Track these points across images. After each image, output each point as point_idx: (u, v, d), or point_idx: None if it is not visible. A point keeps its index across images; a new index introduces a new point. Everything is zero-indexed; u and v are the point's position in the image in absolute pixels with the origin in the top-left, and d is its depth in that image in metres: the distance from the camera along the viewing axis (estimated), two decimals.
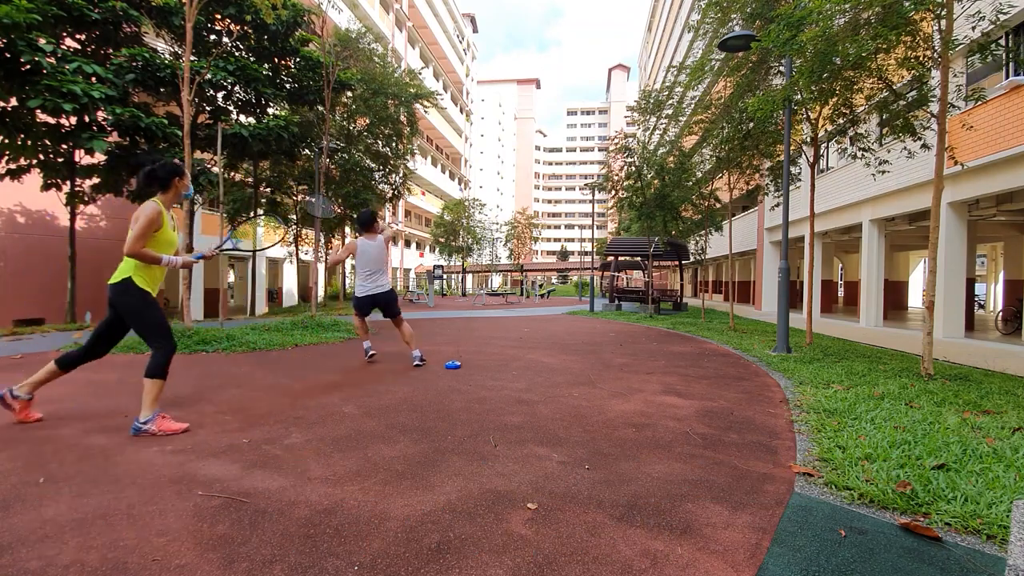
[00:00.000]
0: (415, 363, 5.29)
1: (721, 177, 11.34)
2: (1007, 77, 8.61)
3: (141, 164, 3.23)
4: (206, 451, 2.63)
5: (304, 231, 19.47)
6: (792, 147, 8.04)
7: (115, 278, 2.95)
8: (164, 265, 3.00)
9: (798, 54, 5.30)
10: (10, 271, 12.60)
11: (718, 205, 14.50)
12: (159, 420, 2.92)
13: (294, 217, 18.20)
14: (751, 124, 8.29)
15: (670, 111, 13.25)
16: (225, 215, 15.47)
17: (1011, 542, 1.25)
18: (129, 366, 5.13)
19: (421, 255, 45.31)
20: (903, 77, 6.62)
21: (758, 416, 3.47)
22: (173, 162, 3.16)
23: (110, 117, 9.27)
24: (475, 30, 62.51)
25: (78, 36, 10.35)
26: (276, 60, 12.63)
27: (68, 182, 10.62)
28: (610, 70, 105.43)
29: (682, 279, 25.06)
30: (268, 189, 16.59)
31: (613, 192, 15.08)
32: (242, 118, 12.80)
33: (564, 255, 72.57)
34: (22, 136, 9.52)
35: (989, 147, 8.51)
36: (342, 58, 16.41)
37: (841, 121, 7.28)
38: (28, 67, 8.42)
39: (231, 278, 22.99)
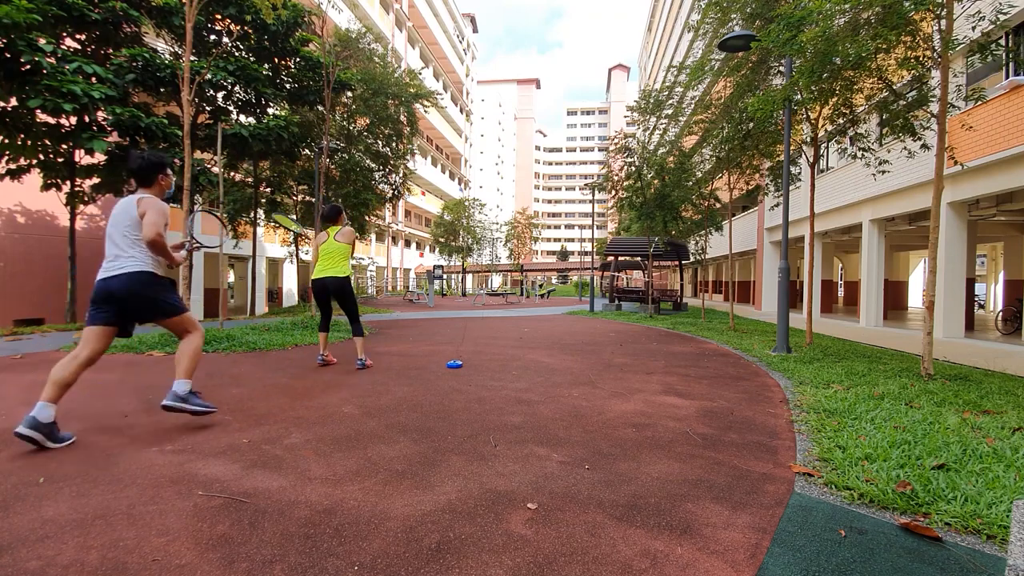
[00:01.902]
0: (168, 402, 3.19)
1: (721, 177, 11.33)
2: (1007, 77, 8.61)
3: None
4: (206, 451, 2.63)
5: (304, 231, 19.45)
6: (792, 147, 8.04)
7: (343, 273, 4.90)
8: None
9: (798, 54, 5.30)
10: (10, 271, 12.60)
11: (718, 205, 14.50)
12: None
13: (294, 217, 18.19)
14: (751, 124, 8.28)
15: (670, 111, 13.24)
16: (225, 215, 15.47)
17: (1011, 542, 1.25)
18: (129, 366, 5.13)
19: (421, 255, 45.31)
20: (903, 77, 6.62)
21: (758, 416, 3.47)
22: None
23: (110, 117, 9.26)
24: (475, 30, 62.50)
25: (78, 36, 10.35)
26: (276, 60, 12.63)
27: (68, 182, 10.62)
28: (610, 70, 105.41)
29: (682, 279, 25.06)
30: (268, 189, 16.58)
31: (613, 192, 15.08)
32: (242, 118, 12.80)
33: (564, 255, 72.59)
34: (22, 136, 9.52)
35: (989, 147, 8.51)
36: (342, 58, 16.40)
37: (841, 121, 7.27)
38: (28, 67, 8.42)
39: (231, 278, 22.99)
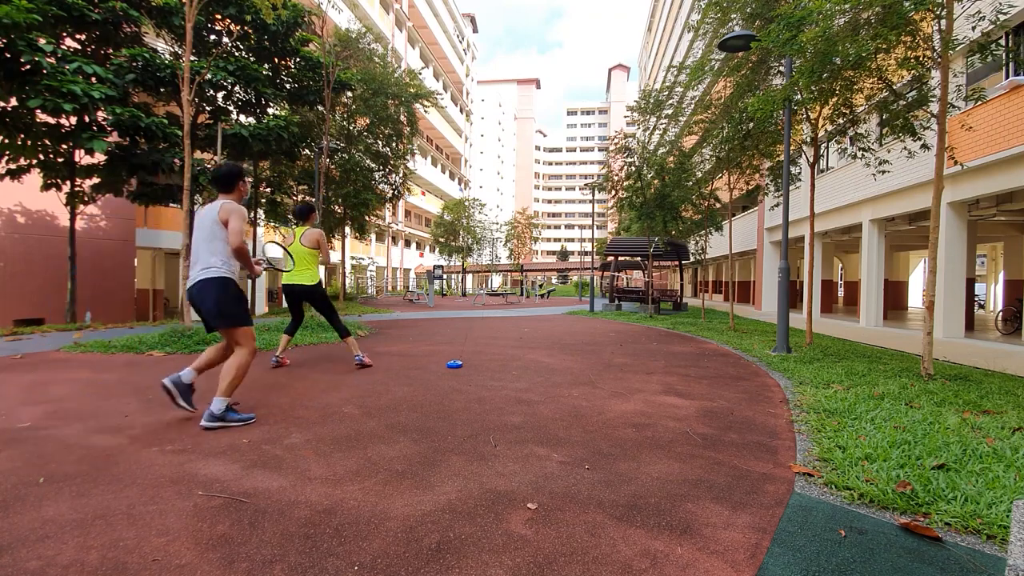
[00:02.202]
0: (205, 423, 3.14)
1: (721, 177, 11.33)
2: (1007, 77, 8.61)
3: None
4: (206, 451, 2.63)
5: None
6: (792, 147, 8.03)
7: (308, 279, 4.69)
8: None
9: (798, 54, 5.30)
10: (10, 271, 12.60)
11: (718, 205, 14.50)
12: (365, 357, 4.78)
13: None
14: (751, 124, 8.28)
15: (670, 111, 13.24)
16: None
17: (1011, 542, 1.25)
18: (129, 366, 5.13)
19: (421, 255, 45.32)
20: (903, 77, 6.62)
21: (758, 416, 3.47)
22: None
23: (110, 117, 9.26)
24: (475, 30, 62.51)
25: (78, 36, 10.35)
26: (276, 60, 12.63)
27: (68, 182, 10.62)
28: (610, 70, 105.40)
29: (682, 279, 25.06)
30: (268, 189, 16.59)
31: (613, 192, 15.08)
32: (242, 118, 12.80)
33: (564, 255, 72.59)
34: (22, 136, 9.52)
35: (989, 147, 8.51)
36: (342, 58, 16.41)
37: (841, 121, 7.27)
38: (28, 67, 8.42)
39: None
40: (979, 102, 5.73)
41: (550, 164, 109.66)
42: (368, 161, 18.44)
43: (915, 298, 23.50)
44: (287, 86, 13.23)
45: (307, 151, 14.90)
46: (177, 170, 10.35)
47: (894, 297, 19.37)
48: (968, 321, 10.69)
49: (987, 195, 9.30)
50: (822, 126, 7.28)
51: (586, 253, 51.19)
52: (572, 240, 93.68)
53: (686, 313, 16.27)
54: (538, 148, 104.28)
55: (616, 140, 14.13)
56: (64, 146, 10.13)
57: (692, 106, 11.98)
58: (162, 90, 10.56)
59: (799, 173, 10.36)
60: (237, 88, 11.93)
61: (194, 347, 6.23)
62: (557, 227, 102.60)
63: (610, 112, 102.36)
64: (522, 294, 33.84)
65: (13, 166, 10.04)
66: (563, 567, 1.60)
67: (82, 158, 10.54)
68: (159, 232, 16.70)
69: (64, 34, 10.07)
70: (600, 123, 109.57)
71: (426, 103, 19.93)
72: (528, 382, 4.58)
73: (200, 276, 3.12)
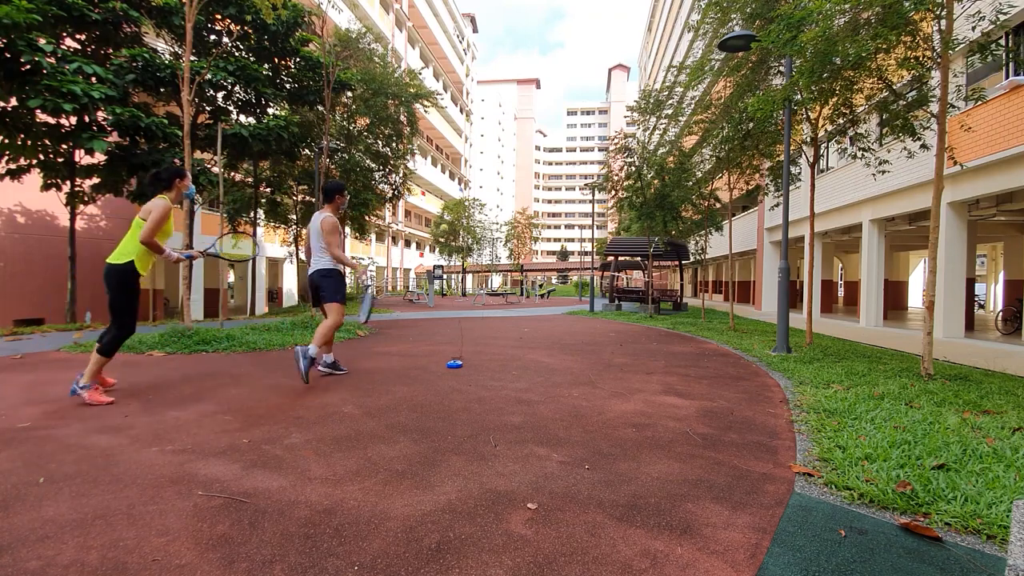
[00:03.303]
0: (319, 367, 4.68)
1: (721, 177, 11.33)
2: (1007, 77, 8.61)
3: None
4: (206, 451, 2.63)
5: (304, 231, 19.47)
6: (792, 147, 8.03)
7: (118, 259, 3.50)
8: (163, 257, 3.60)
9: (798, 54, 5.30)
10: (10, 271, 12.60)
11: (718, 205, 14.50)
12: (93, 391, 3.46)
13: (294, 217, 18.21)
14: (751, 124, 8.28)
15: (670, 111, 13.24)
16: (225, 215, 15.47)
17: (1011, 542, 1.25)
18: (128, 366, 5.13)
19: (421, 255, 45.32)
20: (903, 77, 6.62)
21: (758, 416, 3.48)
22: (175, 165, 3.65)
23: (110, 117, 9.27)
24: (475, 30, 62.51)
25: (78, 36, 10.35)
26: (276, 60, 12.63)
27: (68, 182, 10.62)
28: (610, 70, 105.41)
29: (682, 279, 25.06)
30: (268, 189, 16.59)
31: (613, 192, 15.08)
32: (242, 118, 12.80)
33: (564, 255, 72.62)
34: (22, 136, 9.52)
35: (989, 147, 8.51)
36: (342, 58, 16.41)
37: (841, 121, 7.27)
38: (28, 67, 8.42)
39: (231, 278, 23.00)
40: (979, 102, 5.73)
41: (550, 164, 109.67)
42: (368, 161, 18.45)
43: (915, 298, 23.50)
44: (287, 86, 13.24)
45: (307, 151, 14.91)
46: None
47: (894, 297, 19.38)
48: (968, 321, 10.69)
49: (987, 195, 9.31)
50: (822, 126, 7.28)
51: (586, 253, 51.20)
52: (572, 240, 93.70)
53: (686, 313, 16.27)
54: (538, 148, 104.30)
55: (616, 140, 14.13)
56: (64, 146, 10.13)
57: (692, 106, 11.98)
58: (162, 90, 10.56)
59: (799, 173, 10.36)
60: (237, 88, 11.94)
61: (194, 347, 6.23)
62: (557, 227, 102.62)
63: (610, 112, 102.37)
64: (522, 294, 33.84)
65: (13, 166, 10.04)
66: (563, 567, 1.60)
67: (82, 158, 10.54)
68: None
69: (64, 34, 10.07)
70: (600, 123, 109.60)
71: (426, 103, 19.94)
72: (528, 382, 4.58)
73: (312, 268, 4.54)
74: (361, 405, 3.64)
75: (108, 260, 3.49)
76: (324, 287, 4.44)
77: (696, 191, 13.05)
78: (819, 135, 7.33)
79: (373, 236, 33.60)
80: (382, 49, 20.21)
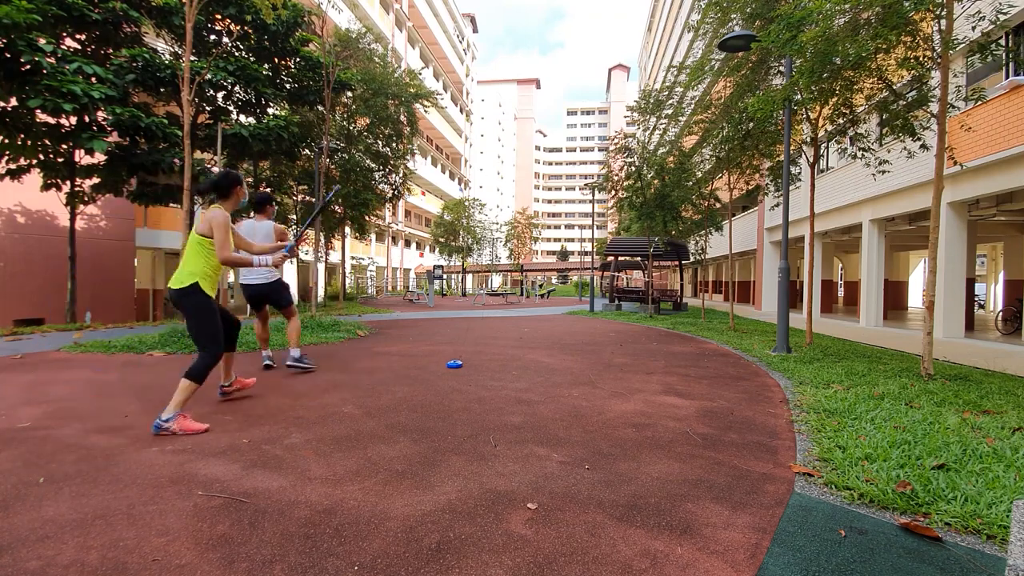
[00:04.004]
0: (288, 363, 4.95)
1: (721, 177, 11.33)
2: (1007, 77, 8.61)
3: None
4: (206, 451, 2.63)
5: (304, 231, 19.47)
6: (792, 147, 8.03)
7: (180, 283, 3.07)
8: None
9: (798, 54, 5.30)
10: (10, 271, 12.60)
11: (718, 205, 14.50)
12: (180, 420, 2.94)
13: (294, 217, 18.21)
14: (751, 124, 8.28)
15: (670, 111, 13.24)
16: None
17: (1011, 542, 1.25)
18: (128, 366, 5.13)
19: (421, 255, 45.32)
20: (903, 77, 6.62)
21: (758, 416, 3.47)
22: (233, 171, 3.43)
23: (110, 117, 9.27)
24: (475, 30, 62.50)
25: (78, 36, 10.35)
26: (276, 60, 12.63)
27: (68, 182, 10.62)
28: (610, 70, 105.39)
29: (682, 279, 25.06)
30: (268, 189, 16.59)
31: (613, 192, 15.08)
32: (242, 118, 12.80)
33: (564, 255, 72.60)
34: (22, 136, 9.52)
35: (989, 147, 8.51)
36: (342, 58, 16.41)
37: (841, 121, 7.27)
38: (28, 67, 8.42)
39: (231, 278, 22.97)
40: (979, 102, 5.73)
41: (550, 164, 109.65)
42: (368, 161, 18.45)
43: (915, 298, 23.50)
44: (287, 86, 13.23)
45: (307, 151, 14.91)
46: (177, 170, 10.36)
47: (894, 297, 19.37)
48: (968, 321, 10.69)
49: (987, 195, 9.30)
50: (822, 126, 7.27)
51: (586, 253, 51.19)
52: (572, 240, 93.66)
53: (686, 313, 16.27)
54: (538, 148, 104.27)
55: (616, 140, 14.13)
56: (64, 146, 10.13)
57: (692, 106, 11.97)
58: (162, 90, 10.57)
59: (799, 173, 10.36)
60: (237, 88, 11.94)
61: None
62: (557, 227, 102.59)
63: (610, 112, 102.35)
64: (522, 294, 33.85)
65: (13, 166, 10.04)
66: (563, 567, 1.60)
67: (82, 158, 10.54)
68: (159, 232, 16.70)
69: (64, 34, 10.07)
70: (600, 123, 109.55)
71: (426, 103, 19.94)
72: (528, 382, 4.58)
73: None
74: (361, 405, 3.64)
75: (170, 285, 3.13)
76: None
77: (696, 191, 13.05)
78: (819, 135, 7.33)
79: (373, 236, 33.61)
80: (382, 49, 20.22)
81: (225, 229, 3.10)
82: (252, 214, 5.09)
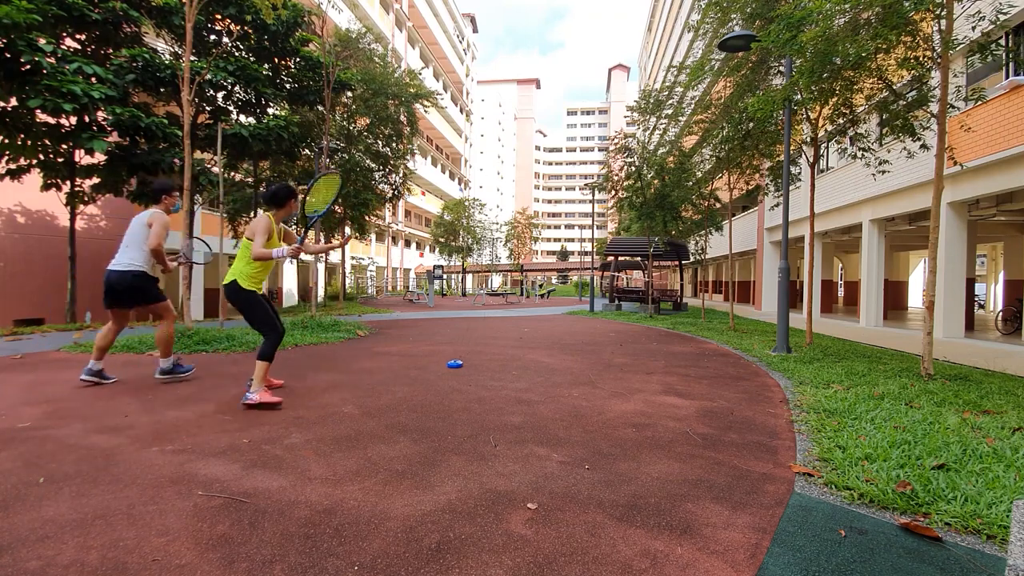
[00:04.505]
0: (157, 375, 4.36)
1: (721, 177, 11.33)
2: (1007, 77, 8.61)
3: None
4: (206, 451, 2.63)
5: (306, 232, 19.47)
6: (792, 147, 8.03)
7: (224, 281, 3.65)
8: (275, 257, 3.51)
9: (798, 54, 5.30)
10: (10, 271, 12.60)
11: (718, 205, 14.50)
12: (262, 392, 3.51)
13: (294, 217, 18.20)
14: (751, 124, 8.28)
15: (670, 111, 13.24)
16: (225, 216, 15.45)
17: (1011, 542, 1.25)
18: (128, 366, 5.13)
19: (421, 255, 45.32)
20: (903, 77, 6.62)
21: (758, 416, 3.47)
22: (290, 185, 3.80)
23: (110, 117, 9.26)
24: (475, 30, 62.50)
25: (78, 36, 10.35)
26: (276, 60, 12.63)
27: (68, 182, 10.62)
28: (610, 70, 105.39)
29: (682, 279, 25.06)
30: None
31: (613, 192, 15.08)
32: (242, 118, 12.80)
33: (564, 255, 72.59)
34: (22, 136, 9.51)
35: (989, 147, 8.51)
36: (342, 58, 16.41)
37: (841, 121, 7.27)
38: (28, 67, 8.42)
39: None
40: (979, 102, 5.73)
41: (550, 164, 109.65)
42: (368, 161, 18.44)
43: (915, 298, 23.50)
44: (287, 86, 13.23)
45: (307, 151, 14.90)
46: (177, 170, 10.36)
47: (894, 297, 19.37)
48: (968, 321, 10.68)
49: (987, 195, 9.30)
50: (822, 126, 7.27)
51: (586, 253, 51.19)
52: (572, 240, 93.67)
53: (686, 313, 16.27)
54: (538, 148, 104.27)
55: (616, 140, 14.13)
56: (64, 146, 10.12)
57: (692, 106, 11.97)
58: (162, 90, 10.56)
59: (799, 173, 10.36)
60: (237, 88, 11.93)
61: (194, 347, 6.23)
62: (557, 227, 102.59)
63: (610, 112, 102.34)
64: (522, 294, 33.85)
65: (13, 166, 10.04)
66: (563, 567, 1.60)
67: (82, 158, 10.53)
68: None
69: (64, 34, 10.07)
70: (600, 123, 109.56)
71: (426, 103, 19.93)
72: (528, 382, 4.58)
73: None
74: (361, 405, 3.64)
75: (222, 283, 3.70)
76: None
77: (696, 191, 13.06)
78: (819, 135, 7.33)
79: (373, 236, 33.61)
80: (382, 49, 20.21)
81: (262, 233, 3.51)
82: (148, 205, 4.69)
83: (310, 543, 1.73)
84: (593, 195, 21.44)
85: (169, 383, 4.25)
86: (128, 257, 4.07)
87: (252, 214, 16.06)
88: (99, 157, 10.19)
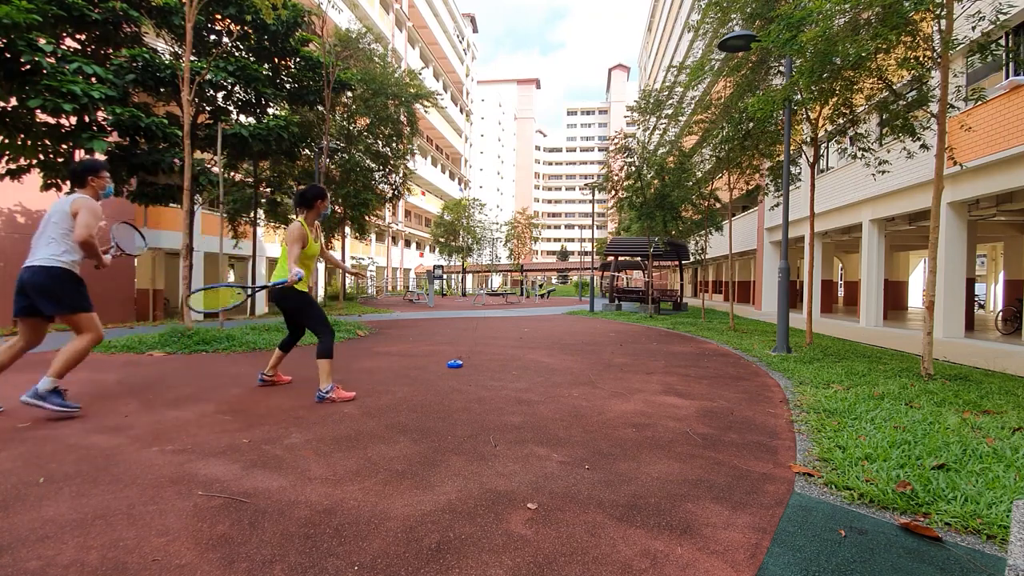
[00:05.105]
0: (24, 399, 3.20)
1: (721, 177, 11.33)
2: (1007, 77, 8.61)
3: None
4: (206, 451, 2.63)
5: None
6: (792, 147, 8.03)
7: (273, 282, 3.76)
8: (293, 276, 3.56)
9: (798, 54, 5.30)
10: (10, 271, 12.59)
11: (718, 205, 14.50)
12: (336, 390, 3.70)
13: (294, 217, 18.21)
14: (751, 124, 8.28)
15: (670, 111, 13.25)
16: (225, 216, 15.46)
17: (1011, 542, 1.24)
18: (128, 366, 5.13)
19: (421, 255, 45.32)
20: (903, 77, 6.62)
21: (758, 416, 3.47)
22: (319, 186, 3.87)
23: (110, 117, 9.26)
24: (475, 30, 62.51)
25: (78, 36, 10.34)
26: (276, 60, 12.62)
27: (68, 182, 10.62)
28: (610, 70, 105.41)
29: (682, 279, 25.06)
30: (268, 189, 16.59)
31: (613, 192, 15.09)
32: (242, 118, 12.80)
33: (564, 255, 72.59)
34: (22, 136, 9.51)
35: (989, 147, 8.51)
36: (342, 58, 16.41)
37: (841, 121, 7.27)
38: (28, 67, 8.42)
39: (231, 278, 22.97)
40: (979, 102, 5.73)
41: (550, 164, 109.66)
42: (368, 161, 18.44)
43: (915, 298, 23.50)
44: (287, 86, 13.23)
45: (307, 151, 14.90)
46: (177, 170, 10.36)
47: (894, 297, 19.37)
48: (968, 321, 10.69)
49: (987, 195, 9.30)
50: (822, 126, 7.27)
51: (586, 253, 51.19)
52: (572, 240, 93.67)
53: (686, 313, 16.26)
54: (538, 148, 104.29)
55: (616, 140, 14.14)
56: (64, 146, 10.12)
57: (692, 106, 11.98)
58: (162, 90, 10.56)
59: (799, 173, 10.36)
60: (237, 88, 11.93)
61: (194, 347, 6.23)
62: (557, 227, 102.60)
63: (610, 112, 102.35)
64: (522, 294, 33.85)
65: (13, 166, 10.03)
66: (563, 567, 1.60)
67: (82, 158, 10.53)
68: (159, 232, 16.70)
69: (64, 34, 10.06)
70: (600, 123, 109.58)
71: (426, 103, 19.94)
72: (528, 382, 4.58)
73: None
74: (361, 405, 3.64)
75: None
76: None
77: (696, 191, 13.06)
78: (819, 135, 7.33)
79: (373, 236, 33.61)
80: (382, 49, 20.21)
81: (295, 241, 3.62)
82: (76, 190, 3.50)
83: (310, 543, 1.73)
84: (593, 195, 21.44)
85: (34, 408, 3.19)
86: (48, 252, 3.17)
87: (252, 214, 16.07)
88: (99, 157, 10.19)
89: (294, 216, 3.94)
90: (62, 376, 3.25)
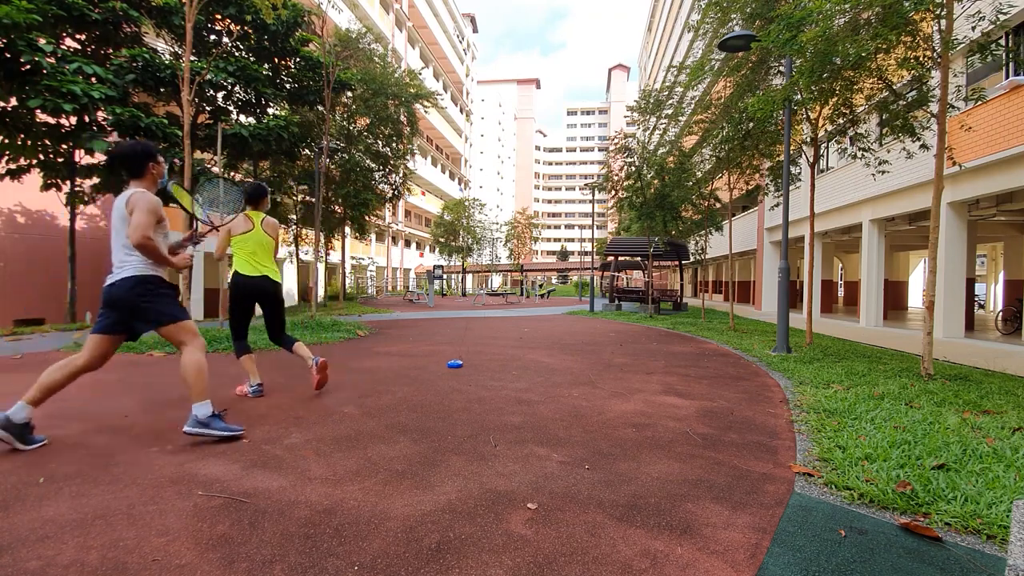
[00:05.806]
0: (186, 427, 2.82)
1: (721, 177, 11.33)
2: (1007, 77, 8.60)
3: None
4: (206, 451, 2.63)
5: (304, 231, 19.50)
6: (792, 147, 8.03)
7: (256, 274, 3.99)
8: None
9: (798, 54, 5.30)
10: (10, 271, 12.60)
11: (718, 205, 14.50)
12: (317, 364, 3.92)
13: (294, 217, 18.21)
14: (751, 124, 8.28)
15: (670, 111, 13.25)
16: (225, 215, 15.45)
17: (1011, 542, 1.24)
18: (128, 366, 5.13)
19: (421, 255, 45.32)
20: (903, 77, 6.62)
21: (758, 416, 3.47)
22: (263, 185, 4.15)
23: (110, 117, 9.27)
24: (475, 30, 62.51)
25: (78, 36, 10.36)
26: (276, 60, 12.63)
27: (68, 182, 10.63)
28: (610, 70, 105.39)
29: (682, 279, 25.05)
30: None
31: (613, 192, 15.09)
32: (242, 118, 12.80)
33: (564, 255, 72.56)
34: (22, 136, 9.52)
35: (989, 147, 8.50)
36: (342, 58, 16.42)
37: (841, 121, 7.27)
38: (28, 67, 8.42)
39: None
40: (979, 102, 5.73)
41: (550, 164, 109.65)
42: (368, 161, 18.45)
43: (915, 298, 23.49)
44: (287, 86, 13.24)
45: (307, 151, 14.91)
46: (177, 170, 10.36)
47: (894, 297, 19.36)
48: (968, 321, 10.68)
49: (987, 195, 9.30)
50: (822, 126, 7.27)
51: (586, 253, 51.18)
52: (572, 240, 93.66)
53: (686, 313, 16.26)
54: (538, 148, 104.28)
55: (616, 140, 14.13)
56: (64, 146, 10.13)
57: (692, 106, 11.97)
58: (162, 90, 10.57)
59: (799, 173, 10.35)
60: (237, 88, 11.94)
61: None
62: (557, 227, 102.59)
63: (610, 112, 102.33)
64: (522, 294, 33.85)
65: (13, 166, 10.05)
66: (563, 567, 1.60)
67: (82, 158, 10.54)
68: None
69: (64, 34, 10.07)
70: (600, 123, 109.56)
71: (426, 103, 19.95)
72: (528, 382, 4.58)
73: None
74: (361, 405, 3.64)
75: (271, 276, 4.09)
76: (153, 303, 2.79)
77: (696, 191, 13.06)
78: (819, 135, 7.33)
79: (373, 236, 33.61)
80: (382, 49, 20.21)
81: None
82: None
83: (310, 543, 1.73)
84: (593, 195, 21.43)
85: (199, 439, 2.80)
86: (117, 261, 2.79)
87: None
88: (99, 157, 10.19)
89: (248, 209, 4.37)
90: (206, 396, 2.83)
